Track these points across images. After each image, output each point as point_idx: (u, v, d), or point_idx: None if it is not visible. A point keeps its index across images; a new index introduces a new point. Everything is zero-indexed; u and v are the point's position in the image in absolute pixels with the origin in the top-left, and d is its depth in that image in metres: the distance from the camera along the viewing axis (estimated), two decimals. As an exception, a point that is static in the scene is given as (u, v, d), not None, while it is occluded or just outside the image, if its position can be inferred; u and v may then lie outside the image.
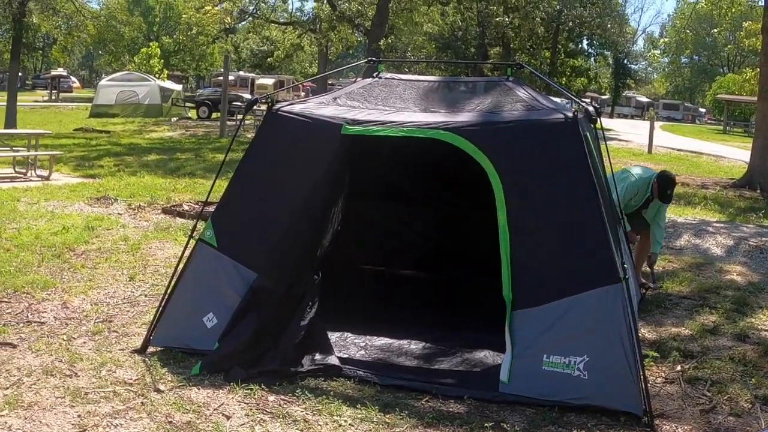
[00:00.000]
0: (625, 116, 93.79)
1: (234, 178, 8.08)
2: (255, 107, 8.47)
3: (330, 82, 62.97)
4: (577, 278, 6.93)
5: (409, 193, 10.99)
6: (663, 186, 10.67)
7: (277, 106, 8.12)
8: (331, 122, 7.72)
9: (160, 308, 7.98)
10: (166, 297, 8.00)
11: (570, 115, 7.20)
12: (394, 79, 8.80)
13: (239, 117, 40.17)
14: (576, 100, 7.86)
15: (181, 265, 8.09)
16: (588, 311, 6.85)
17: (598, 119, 7.53)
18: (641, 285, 10.61)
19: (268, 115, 8.13)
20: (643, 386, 6.73)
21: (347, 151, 7.66)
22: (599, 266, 6.93)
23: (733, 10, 30.14)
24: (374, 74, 8.98)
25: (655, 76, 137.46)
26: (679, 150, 40.19)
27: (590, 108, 7.60)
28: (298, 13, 71.27)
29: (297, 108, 8.06)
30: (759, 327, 9.77)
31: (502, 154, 7.18)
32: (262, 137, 8.11)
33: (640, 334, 8.74)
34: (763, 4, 26.53)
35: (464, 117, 7.59)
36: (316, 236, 7.69)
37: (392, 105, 8.13)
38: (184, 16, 56.31)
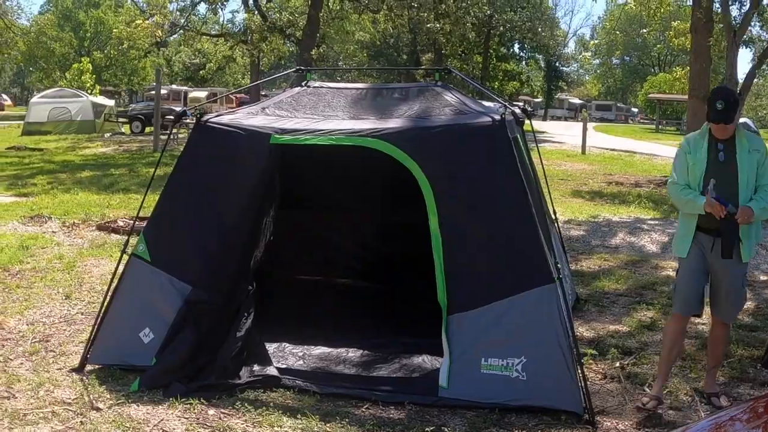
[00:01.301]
0: (559, 118, 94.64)
1: (164, 192, 8.05)
2: (186, 120, 8.43)
3: (263, 92, 62.74)
4: (511, 280, 6.99)
5: (343, 201, 10.97)
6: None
7: (206, 117, 8.10)
8: (260, 132, 7.72)
9: (97, 326, 7.91)
10: (101, 314, 7.94)
11: (497, 118, 7.26)
12: (322, 87, 8.82)
13: (170, 130, 39.95)
14: (504, 103, 7.93)
15: (115, 281, 8.04)
16: (523, 312, 6.91)
17: (526, 121, 7.61)
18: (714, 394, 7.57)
19: (197, 127, 8.11)
20: (583, 384, 6.81)
21: (277, 161, 7.67)
22: (533, 267, 7.00)
23: (662, 10, 30.45)
24: (303, 83, 8.98)
25: (587, 78, 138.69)
26: (612, 150, 40.56)
27: (517, 110, 7.68)
28: (230, 25, 71.15)
29: (226, 119, 8.06)
30: (696, 321, 9.82)
31: (431, 159, 7.22)
32: (191, 149, 8.10)
33: (578, 333, 8.86)
34: (690, 3, 26.88)
35: (393, 123, 7.62)
36: (249, 247, 7.67)
37: (321, 113, 8.16)
38: (114, 30, 56.04)
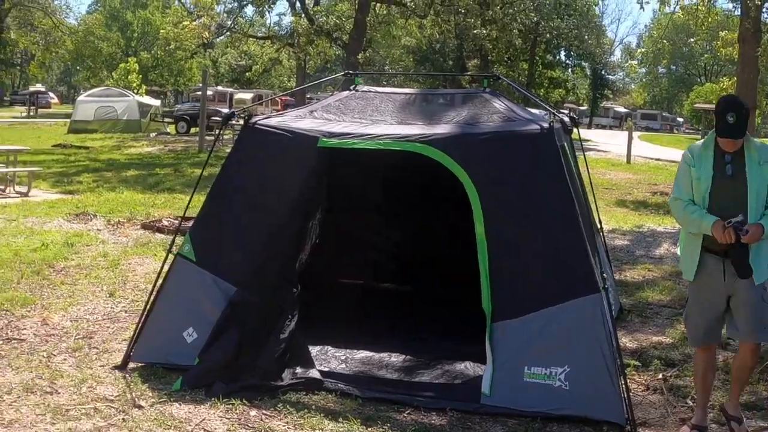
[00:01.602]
0: (604, 127, 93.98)
1: (211, 192, 8.09)
2: (232, 121, 8.47)
3: (308, 96, 62.80)
4: (557, 289, 6.94)
5: (388, 206, 10.97)
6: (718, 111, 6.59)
7: (254, 119, 8.13)
8: (308, 135, 7.75)
9: (140, 324, 7.96)
10: (145, 312, 7.98)
11: (546, 125, 7.23)
12: (370, 91, 8.81)
13: (217, 131, 40.15)
14: (552, 111, 7.88)
15: (160, 280, 8.08)
16: (568, 321, 6.87)
17: (574, 129, 7.56)
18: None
19: (245, 129, 8.14)
20: (625, 395, 6.73)
21: (324, 164, 7.68)
22: (578, 276, 6.95)
23: (710, 19, 30.26)
24: (351, 87, 8.99)
25: (633, 87, 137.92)
26: (657, 159, 40.29)
27: (566, 118, 7.63)
28: (276, 28, 71.40)
29: (274, 121, 8.09)
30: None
31: (479, 166, 7.21)
32: (239, 151, 8.13)
33: (621, 344, 8.77)
34: (738, 13, 26.68)
35: (441, 129, 7.62)
36: (294, 249, 7.68)
37: (369, 117, 8.16)
38: (162, 31, 56.35)
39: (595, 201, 10.35)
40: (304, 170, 7.66)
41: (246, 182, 7.98)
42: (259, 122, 8.07)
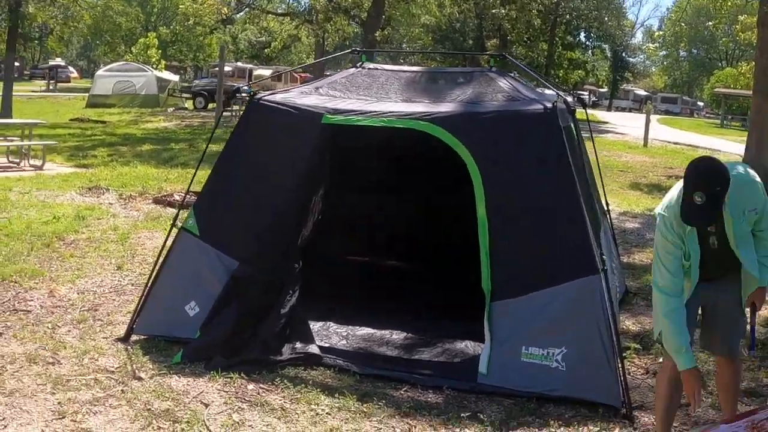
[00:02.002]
0: (623, 109, 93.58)
1: (215, 167, 8.13)
2: (239, 96, 8.48)
3: (327, 73, 62.62)
4: (556, 269, 6.96)
5: (391, 183, 10.97)
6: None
7: (259, 95, 8.14)
8: (313, 111, 7.77)
9: (143, 297, 8.02)
10: (148, 285, 8.05)
11: (549, 105, 7.23)
12: (377, 69, 8.83)
13: (233, 107, 40.16)
14: (557, 91, 7.86)
15: (164, 254, 8.13)
16: (567, 302, 6.88)
17: (579, 109, 7.55)
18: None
19: (250, 105, 8.16)
20: (622, 378, 6.74)
21: (328, 141, 7.71)
22: (578, 257, 6.96)
23: (729, 3, 30.07)
24: (358, 64, 9.00)
25: (654, 70, 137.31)
26: (675, 143, 40.11)
27: (569, 98, 7.63)
28: (295, 4, 71.22)
29: (279, 97, 8.12)
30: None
31: (481, 145, 7.22)
32: (243, 126, 8.16)
33: (624, 326, 8.82)
34: (758, -3, 26.48)
35: (444, 107, 7.63)
36: (297, 225, 7.71)
37: (374, 95, 8.17)
38: (181, 6, 56.19)
39: (602, 183, 10.35)
40: (308, 147, 7.68)
41: (250, 158, 8.00)
42: (264, 98, 8.08)
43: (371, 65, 8.98)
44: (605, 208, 10.03)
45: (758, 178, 5.64)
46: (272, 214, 7.68)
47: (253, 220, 7.78)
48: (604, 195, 10.09)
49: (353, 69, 8.92)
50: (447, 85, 8.38)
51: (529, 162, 7.20)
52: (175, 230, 8.23)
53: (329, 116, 7.65)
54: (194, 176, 8.83)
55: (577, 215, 7.01)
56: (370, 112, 7.63)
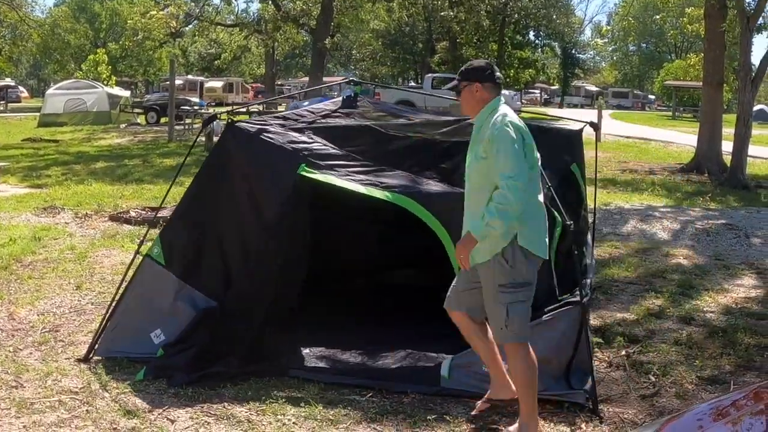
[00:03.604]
0: (575, 106, 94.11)
1: (186, 195, 8.01)
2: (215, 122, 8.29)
3: (278, 82, 62.75)
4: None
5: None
6: None
7: (240, 123, 7.97)
8: (290, 154, 7.57)
9: (105, 319, 7.97)
10: (111, 308, 7.99)
11: None
12: (373, 124, 8.50)
13: (188, 122, 39.99)
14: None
15: (128, 277, 8.09)
16: (541, 329, 6.91)
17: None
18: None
19: (228, 129, 7.90)
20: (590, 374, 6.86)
21: (306, 191, 7.57)
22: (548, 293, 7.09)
23: (675, -4, 30.45)
24: (351, 95, 8.86)
25: (604, 65, 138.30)
26: (628, 137, 40.45)
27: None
28: (244, 15, 71.10)
29: (258, 127, 7.89)
30: (704, 309, 9.89)
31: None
32: (221, 154, 7.95)
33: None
34: (704, -11, 26.81)
35: (426, 184, 7.60)
36: (270, 256, 7.57)
37: (362, 153, 7.93)
38: (129, 21, 56.17)
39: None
40: (284, 191, 7.49)
41: (224, 188, 7.81)
42: (241, 125, 7.89)
43: (366, 106, 8.91)
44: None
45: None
46: (244, 251, 7.64)
47: (222, 253, 7.73)
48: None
49: (345, 109, 8.75)
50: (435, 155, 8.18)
51: None
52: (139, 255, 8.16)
53: (307, 170, 7.41)
54: (165, 196, 8.77)
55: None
56: (351, 177, 7.49)
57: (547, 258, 6.16)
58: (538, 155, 6.05)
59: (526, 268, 5.91)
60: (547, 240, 6.10)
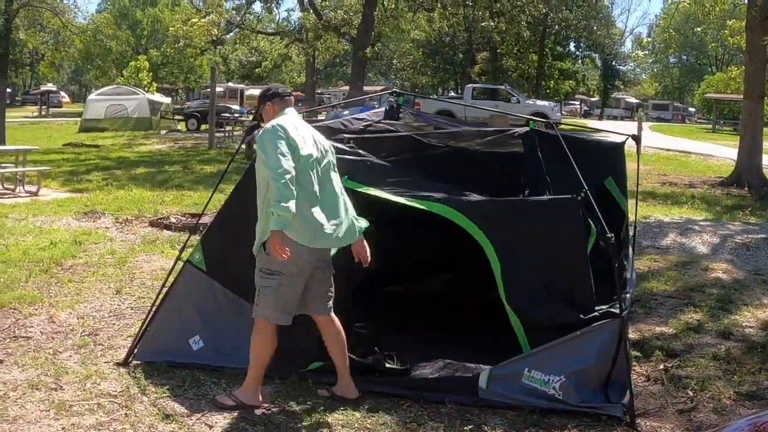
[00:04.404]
0: (615, 117, 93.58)
1: (228, 202, 8.05)
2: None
3: (318, 91, 62.91)
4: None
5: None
6: None
7: None
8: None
9: (145, 324, 8.03)
10: (151, 313, 8.05)
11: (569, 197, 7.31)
12: (417, 136, 8.69)
13: (228, 129, 40.19)
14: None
15: (170, 281, 8.15)
16: (581, 344, 6.98)
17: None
18: None
19: None
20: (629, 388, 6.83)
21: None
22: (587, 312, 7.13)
23: (717, 8, 30.17)
24: (394, 105, 8.90)
25: (644, 77, 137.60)
26: (668, 150, 40.14)
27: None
28: (285, 23, 71.23)
29: None
30: (743, 324, 9.81)
31: (500, 231, 7.33)
32: None
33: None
34: (745, 1, 26.63)
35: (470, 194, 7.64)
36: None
37: (403, 163, 8.11)
38: (171, 28, 56.52)
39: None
40: None
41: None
42: None
43: (407, 118, 8.98)
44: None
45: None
46: None
47: None
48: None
49: (387, 121, 8.83)
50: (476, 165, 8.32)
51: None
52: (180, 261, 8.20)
53: (349, 180, 7.48)
54: (208, 203, 8.82)
55: (585, 275, 7.17)
56: (391, 188, 7.60)
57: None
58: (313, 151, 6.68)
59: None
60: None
